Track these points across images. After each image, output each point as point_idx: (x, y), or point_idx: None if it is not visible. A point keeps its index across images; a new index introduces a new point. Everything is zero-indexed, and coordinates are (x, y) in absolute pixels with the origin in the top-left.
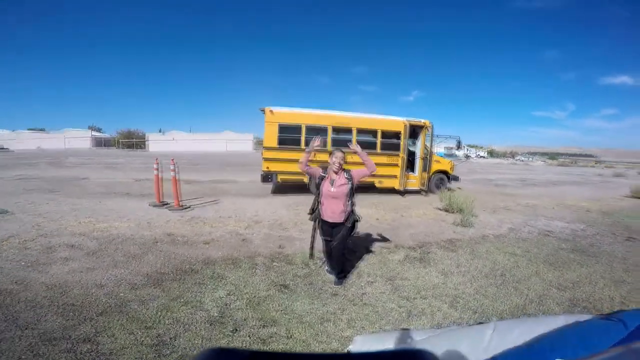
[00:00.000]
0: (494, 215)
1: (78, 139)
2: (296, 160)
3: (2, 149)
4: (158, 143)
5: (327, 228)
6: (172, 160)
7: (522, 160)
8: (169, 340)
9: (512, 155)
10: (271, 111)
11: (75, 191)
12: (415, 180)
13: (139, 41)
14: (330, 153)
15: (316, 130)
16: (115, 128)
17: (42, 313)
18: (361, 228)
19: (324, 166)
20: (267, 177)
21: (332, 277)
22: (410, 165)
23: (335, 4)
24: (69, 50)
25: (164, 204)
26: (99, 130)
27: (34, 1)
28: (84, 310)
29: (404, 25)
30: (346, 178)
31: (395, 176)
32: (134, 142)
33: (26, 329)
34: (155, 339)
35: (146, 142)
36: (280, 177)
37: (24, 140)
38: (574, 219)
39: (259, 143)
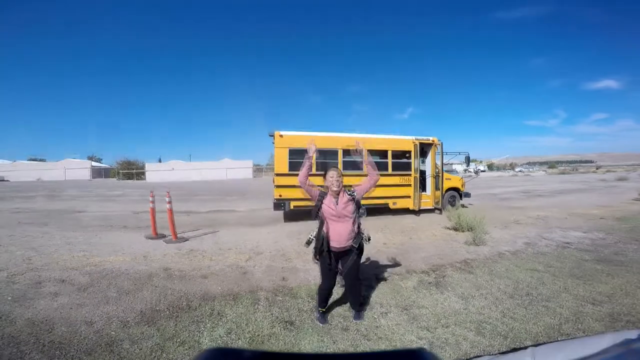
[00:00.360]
0: (506, 231)
1: (77, 169)
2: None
3: (1, 180)
4: (157, 173)
5: (330, 260)
6: (168, 193)
7: (523, 172)
8: None
9: (512, 166)
10: (280, 135)
11: (71, 224)
12: (428, 199)
13: (138, 70)
14: (324, 175)
15: (326, 154)
16: (114, 157)
17: (26, 350)
18: (368, 254)
19: (323, 190)
20: (279, 205)
21: (318, 324)
22: (421, 184)
23: (327, 22)
24: (70, 79)
25: (160, 237)
26: (98, 160)
27: (36, 28)
28: (71, 348)
29: (394, 39)
30: (349, 195)
31: (409, 196)
32: (134, 172)
33: None
34: None
35: (145, 172)
36: (293, 204)
37: (22, 171)
38: (590, 228)
39: (257, 170)
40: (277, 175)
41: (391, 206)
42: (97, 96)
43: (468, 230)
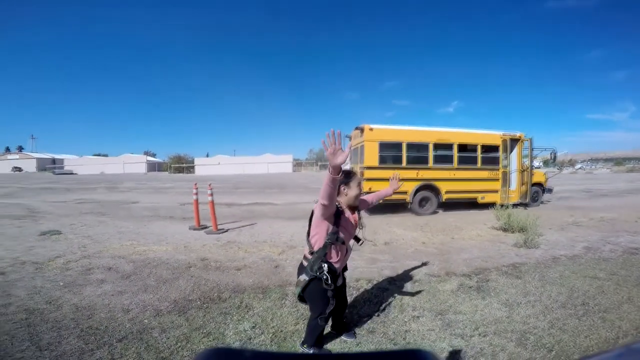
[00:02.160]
0: (562, 233)
1: (135, 164)
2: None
3: (70, 173)
4: (204, 167)
5: (335, 284)
6: (209, 185)
7: (584, 169)
8: None
9: (572, 163)
10: (371, 129)
11: (124, 215)
12: (513, 194)
13: (188, 70)
14: (347, 183)
15: (418, 147)
16: (167, 152)
17: (65, 335)
18: (404, 253)
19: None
20: None
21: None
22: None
23: (361, 17)
24: (131, 79)
25: (202, 228)
26: (153, 155)
27: (99, 28)
28: (105, 335)
29: (438, 34)
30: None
31: (496, 191)
32: (184, 166)
33: (45, 350)
34: None
35: (194, 166)
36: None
37: (88, 165)
38: None
39: (297, 164)
40: (367, 168)
41: (479, 200)
42: (154, 94)
43: (519, 231)
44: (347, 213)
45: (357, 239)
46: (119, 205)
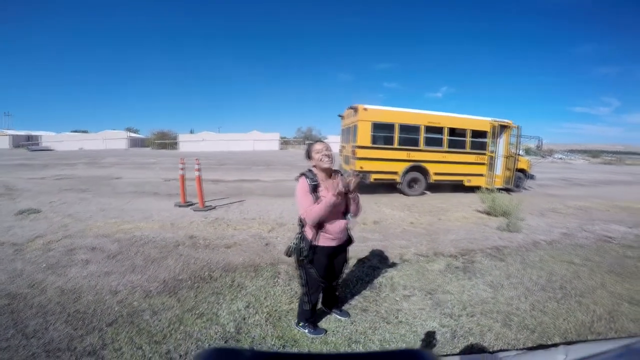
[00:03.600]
0: (542, 219)
1: (116, 140)
2: (389, 160)
3: (47, 149)
4: (188, 143)
5: (325, 261)
6: (197, 160)
7: (562, 159)
8: (178, 357)
9: (550, 153)
10: (365, 109)
11: (107, 191)
12: (498, 178)
13: (173, 47)
14: (309, 148)
15: (409, 129)
16: (150, 129)
17: (52, 320)
18: (393, 233)
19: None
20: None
21: (316, 336)
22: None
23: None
24: (110, 55)
25: (189, 204)
26: (135, 131)
27: (77, 10)
28: (94, 319)
29: (432, 20)
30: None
31: (482, 175)
32: (167, 142)
33: (32, 337)
34: (164, 356)
35: (177, 143)
36: (373, 177)
37: (66, 142)
38: (635, 223)
39: (284, 142)
40: (359, 147)
41: (466, 183)
42: (136, 71)
43: (502, 215)
44: (325, 185)
45: (345, 212)
46: (101, 181)
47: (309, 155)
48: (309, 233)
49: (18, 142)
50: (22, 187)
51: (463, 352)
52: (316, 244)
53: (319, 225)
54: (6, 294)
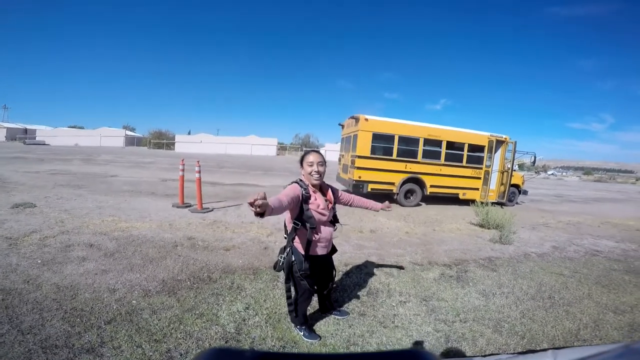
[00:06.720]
0: (534, 232)
1: (112, 137)
2: (387, 170)
3: (43, 143)
4: (185, 144)
5: (316, 270)
6: (198, 162)
7: (555, 175)
8: (178, 356)
9: (544, 169)
10: (366, 119)
11: (103, 188)
12: (492, 193)
13: (173, 47)
14: (303, 157)
15: (408, 141)
16: (148, 128)
17: (48, 317)
18: (389, 241)
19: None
20: (357, 186)
21: (312, 341)
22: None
23: (360, 7)
24: (111, 52)
25: (186, 206)
26: (132, 129)
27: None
28: (92, 316)
29: (432, 32)
30: (332, 191)
31: (477, 188)
32: (164, 142)
33: (28, 333)
34: (164, 354)
35: (174, 143)
36: (370, 187)
37: (62, 137)
38: (623, 238)
39: (281, 148)
40: (359, 157)
41: (461, 196)
42: (135, 71)
43: (495, 228)
44: (315, 196)
45: (334, 222)
46: (97, 178)
47: (302, 164)
48: (299, 245)
49: (14, 135)
50: (16, 180)
51: (456, 356)
52: (309, 254)
53: (310, 235)
54: (0, 289)
